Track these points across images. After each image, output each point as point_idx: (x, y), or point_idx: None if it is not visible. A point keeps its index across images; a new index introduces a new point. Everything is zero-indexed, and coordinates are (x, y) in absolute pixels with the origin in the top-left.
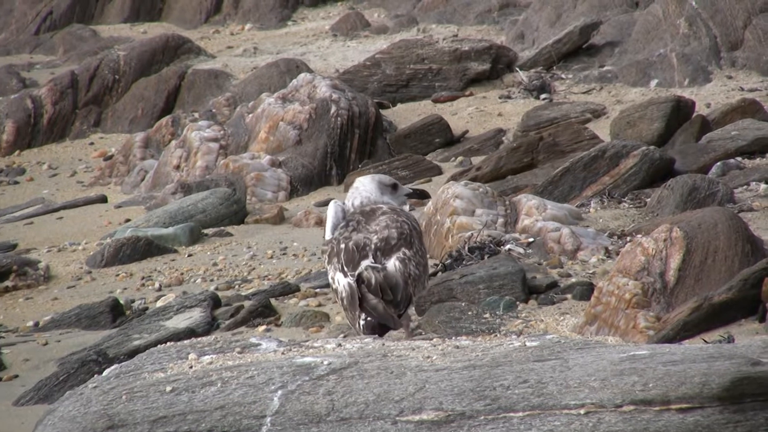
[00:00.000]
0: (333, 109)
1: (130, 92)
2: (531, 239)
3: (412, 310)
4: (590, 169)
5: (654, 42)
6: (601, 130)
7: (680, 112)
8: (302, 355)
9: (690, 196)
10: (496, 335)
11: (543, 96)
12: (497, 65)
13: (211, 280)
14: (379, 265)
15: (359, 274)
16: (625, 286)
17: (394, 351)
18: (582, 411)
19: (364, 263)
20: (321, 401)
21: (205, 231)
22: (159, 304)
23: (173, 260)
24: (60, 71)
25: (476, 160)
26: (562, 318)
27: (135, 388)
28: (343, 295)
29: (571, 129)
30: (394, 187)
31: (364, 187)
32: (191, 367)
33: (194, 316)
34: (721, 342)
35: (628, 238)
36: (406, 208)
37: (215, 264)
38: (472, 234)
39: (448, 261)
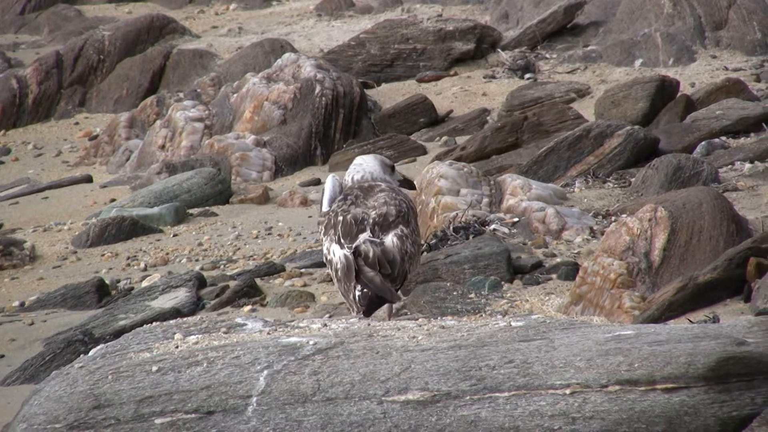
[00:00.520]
0: (318, 89)
1: (115, 72)
2: (516, 219)
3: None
4: (575, 149)
5: (638, 22)
6: (586, 109)
7: (665, 91)
8: (288, 335)
9: (675, 175)
10: (482, 315)
11: (527, 76)
12: (482, 45)
13: (197, 260)
14: (378, 240)
15: (356, 247)
16: (610, 266)
17: (379, 331)
18: (568, 391)
19: (363, 236)
20: (307, 381)
21: (191, 211)
22: (144, 284)
23: (158, 240)
24: (45, 51)
25: (461, 139)
26: (547, 298)
27: (121, 368)
28: (339, 266)
29: (555, 109)
30: (392, 169)
31: (367, 164)
32: (177, 347)
33: (180, 296)
34: (707, 322)
35: (613, 218)
36: None
37: (200, 244)
38: (457, 214)
39: (433, 241)
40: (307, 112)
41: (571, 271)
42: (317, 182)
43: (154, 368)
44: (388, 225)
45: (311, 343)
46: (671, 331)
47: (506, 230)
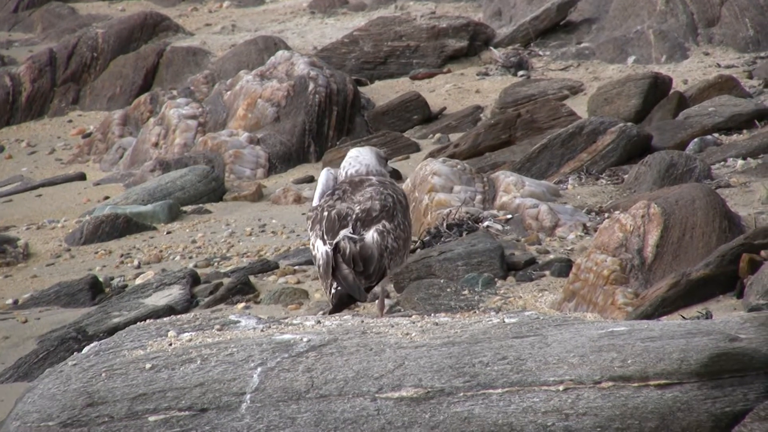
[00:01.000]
0: (311, 86)
1: (108, 70)
2: (509, 216)
3: (390, 287)
4: (568, 146)
5: (631, 19)
6: (579, 106)
7: (657, 88)
8: (281, 333)
9: (667, 172)
10: (475, 312)
11: (521, 73)
12: (475, 42)
13: (190, 258)
14: (357, 236)
15: (336, 243)
16: (603, 263)
17: (373, 328)
18: (561, 387)
19: (343, 233)
20: (300, 378)
21: (184, 208)
22: (138, 281)
23: (152, 237)
24: (38, 49)
25: (454, 137)
26: (540, 295)
27: (115, 365)
28: (320, 262)
29: (548, 106)
30: (386, 162)
31: (363, 156)
32: (171, 345)
33: (173, 293)
34: (700, 318)
35: (606, 215)
36: None
37: (194, 241)
38: (450, 211)
39: (427, 238)
40: (300, 109)
41: (564, 267)
42: (311, 179)
43: (148, 366)
44: (370, 220)
45: (305, 340)
46: (664, 328)
47: (499, 227)
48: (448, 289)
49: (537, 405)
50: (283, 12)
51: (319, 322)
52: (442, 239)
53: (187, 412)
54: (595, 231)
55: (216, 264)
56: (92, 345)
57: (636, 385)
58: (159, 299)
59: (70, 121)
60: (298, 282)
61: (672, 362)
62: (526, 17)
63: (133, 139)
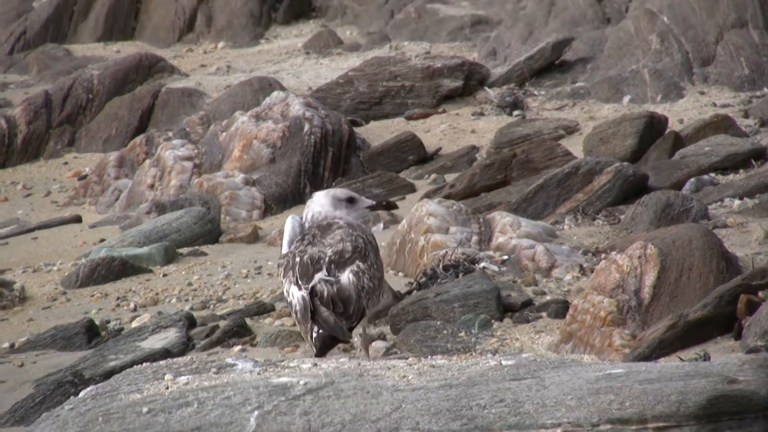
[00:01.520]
0: (306, 127)
1: (103, 111)
2: (505, 257)
3: (377, 330)
4: (564, 186)
5: (626, 58)
6: (575, 146)
7: (653, 128)
8: (278, 375)
9: (664, 212)
10: (472, 354)
11: (516, 112)
12: (470, 82)
13: (186, 300)
14: (333, 278)
15: (312, 287)
16: (600, 304)
17: (370, 370)
18: (559, 430)
19: (318, 276)
20: (297, 421)
21: (180, 250)
22: (134, 324)
23: (148, 280)
24: (34, 91)
25: (450, 177)
26: (537, 336)
27: (111, 409)
28: (297, 308)
29: (544, 146)
30: (350, 201)
31: (316, 202)
32: (167, 388)
33: (170, 336)
34: (697, 360)
35: (603, 255)
36: (380, 225)
37: (190, 284)
38: (446, 252)
39: (423, 279)
40: (296, 150)
41: (561, 309)
42: None
43: (145, 409)
44: (344, 262)
45: (302, 382)
46: (662, 369)
47: (496, 268)
48: (445, 331)
49: None
50: (278, 53)
51: (315, 364)
52: (439, 281)
53: None
54: (592, 272)
55: (212, 306)
56: (89, 389)
57: (634, 427)
58: (155, 342)
59: (66, 163)
60: (295, 324)
61: (670, 404)
62: (521, 57)
63: (129, 181)
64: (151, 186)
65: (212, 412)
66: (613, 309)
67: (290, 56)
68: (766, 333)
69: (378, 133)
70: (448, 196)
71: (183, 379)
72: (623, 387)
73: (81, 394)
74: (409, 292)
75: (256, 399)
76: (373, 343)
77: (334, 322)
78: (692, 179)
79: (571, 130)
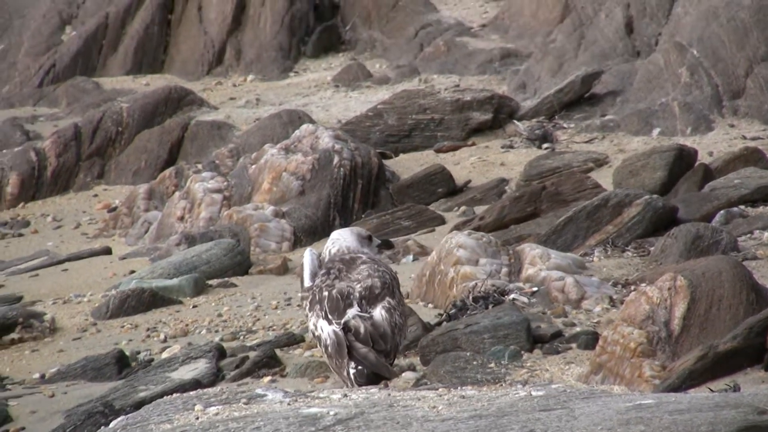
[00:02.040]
0: (336, 159)
1: (133, 144)
2: (535, 288)
3: (407, 361)
4: (593, 218)
5: (656, 91)
6: (604, 179)
7: (683, 160)
8: (308, 406)
9: (694, 244)
10: (502, 385)
11: (545, 145)
12: (499, 115)
13: (216, 331)
14: (366, 314)
15: (345, 322)
16: (630, 335)
17: (399, 401)
18: None
19: (351, 312)
20: None
21: (210, 282)
22: (164, 355)
23: (178, 311)
24: (63, 123)
25: (479, 209)
26: (567, 367)
27: None
28: (328, 342)
29: (573, 178)
30: (369, 239)
31: (343, 239)
32: (198, 419)
33: (200, 367)
34: (727, 391)
35: (633, 287)
36: (410, 256)
37: (220, 315)
38: (476, 283)
39: (453, 311)
40: (325, 182)
41: (590, 340)
42: None
43: None
44: (374, 298)
45: (332, 413)
46: (692, 400)
47: (525, 300)
48: (475, 362)
49: None
50: (307, 86)
51: (345, 395)
52: (468, 312)
53: None
54: (622, 303)
55: (242, 337)
56: (119, 419)
57: None
58: (185, 373)
59: (96, 195)
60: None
61: None
62: (550, 90)
63: (159, 213)
64: (181, 218)
65: None
66: (642, 340)
67: (319, 89)
68: None
69: (407, 165)
70: (477, 228)
71: (213, 409)
72: (653, 418)
73: (111, 425)
74: (439, 324)
75: (286, 429)
76: (403, 374)
77: (375, 359)
78: (722, 211)
79: (600, 162)
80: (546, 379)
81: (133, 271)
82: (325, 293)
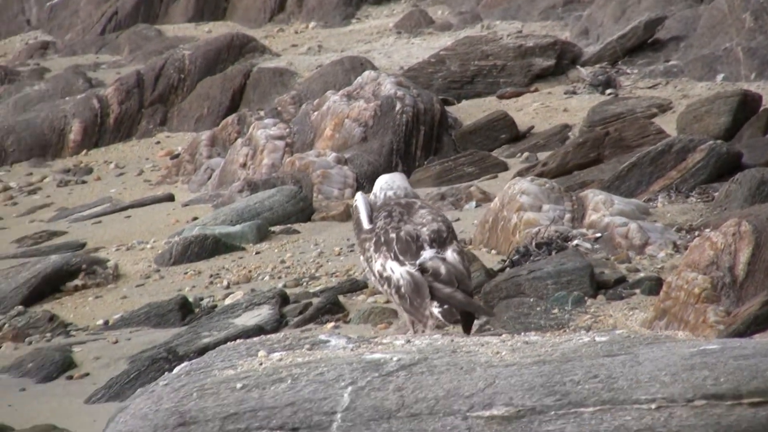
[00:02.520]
0: (398, 106)
1: (195, 91)
2: (598, 234)
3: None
4: (657, 164)
5: (719, 36)
6: (668, 124)
7: (747, 106)
8: (371, 352)
9: (758, 189)
10: (565, 331)
11: (608, 91)
12: (562, 61)
13: (279, 278)
14: (441, 256)
15: (421, 264)
16: (694, 281)
17: (463, 347)
18: (653, 405)
19: (428, 253)
20: (391, 397)
21: (272, 228)
22: (227, 301)
23: (241, 258)
24: (126, 71)
25: (542, 155)
26: (631, 313)
27: (206, 385)
28: (401, 282)
29: (637, 124)
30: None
31: (396, 182)
32: (261, 364)
33: (263, 313)
34: None
35: (696, 233)
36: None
37: (283, 261)
38: (539, 230)
39: (516, 257)
40: (387, 129)
41: (654, 286)
42: None
43: (239, 385)
44: (443, 241)
45: (395, 359)
46: (757, 345)
47: (589, 246)
48: (538, 308)
49: (629, 423)
50: (369, 32)
51: (408, 341)
52: (531, 258)
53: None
54: (686, 249)
55: (305, 284)
56: (183, 365)
57: (729, 403)
58: (248, 319)
59: (158, 142)
60: (387, 301)
61: (765, 380)
62: (613, 36)
63: (221, 159)
64: (243, 165)
65: (306, 388)
66: (707, 286)
67: (381, 36)
68: None
69: (470, 111)
70: (540, 175)
71: (276, 355)
72: (718, 363)
73: (175, 370)
74: (502, 270)
75: (350, 375)
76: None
77: (464, 297)
78: None
79: (664, 108)
80: (610, 324)
81: (195, 218)
82: (392, 235)
